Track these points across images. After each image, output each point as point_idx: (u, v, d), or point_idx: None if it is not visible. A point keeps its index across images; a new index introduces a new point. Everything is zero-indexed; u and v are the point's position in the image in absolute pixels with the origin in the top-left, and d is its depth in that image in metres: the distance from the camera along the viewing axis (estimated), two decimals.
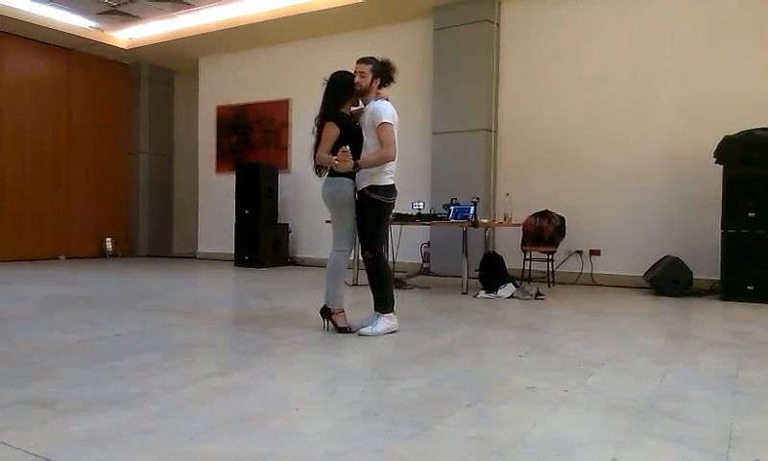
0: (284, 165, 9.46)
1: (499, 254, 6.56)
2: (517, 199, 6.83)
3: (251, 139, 10.10)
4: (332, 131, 3.78)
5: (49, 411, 2.27)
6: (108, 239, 10.75)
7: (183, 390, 2.60)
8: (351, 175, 3.81)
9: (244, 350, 3.47)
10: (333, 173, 3.83)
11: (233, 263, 9.16)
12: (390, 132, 3.73)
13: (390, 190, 3.85)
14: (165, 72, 11.38)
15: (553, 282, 6.87)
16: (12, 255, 9.34)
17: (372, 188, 3.77)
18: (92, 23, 9.60)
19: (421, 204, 6.49)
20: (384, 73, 3.87)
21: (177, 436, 2.02)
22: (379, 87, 3.88)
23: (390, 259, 6.98)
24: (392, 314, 3.87)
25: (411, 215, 6.41)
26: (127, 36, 10.16)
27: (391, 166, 3.83)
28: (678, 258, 6.15)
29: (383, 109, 3.72)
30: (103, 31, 9.91)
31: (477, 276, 6.28)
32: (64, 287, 6.37)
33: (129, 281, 7.14)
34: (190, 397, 2.50)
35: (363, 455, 1.87)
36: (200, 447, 1.93)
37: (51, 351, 3.29)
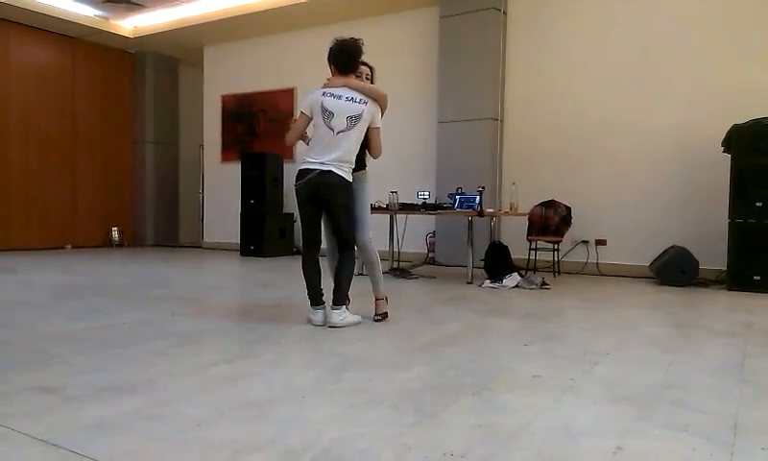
0: (289, 154, 9.44)
1: (505, 243, 6.55)
2: (523, 188, 6.81)
3: (256, 128, 10.10)
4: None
5: (57, 398, 2.28)
6: (114, 229, 10.80)
7: (190, 377, 2.61)
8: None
9: (250, 338, 3.48)
10: None
11: (239, 253, 9.19)
12: (296, 120, 3.87)
13: (297, 175, 3.82)
14: (170, 61, 11.37)
15: (558, 272, 6.86)
16: (18, 245, 9.40)
17: None
18: (97, 12, 9.60)
19: (427, 193, 6.48)
20: (329, 58, 3.83)
21: (184, 423, 2.04)
22: (341, 74, 3.80)
23: (395, 249, 7.02)
24: (311, 307, 3.81)
25: (416, 205, 6.40)
26: (132, 24, 10.16)
27: (308, 153, 3.79)
28: (684, 248, 6.13)
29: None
30: (108, 19, 9.91)
31: (482, 265, 6.27)
32: (71, 276, 6.41)
33: (135, 271, 7.18)
34: (197, 384, 2.52)
35: (368, 442, 1.88)
36: (206, 433, 1.94)
37: (58, 339, 3.32)
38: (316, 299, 3.82)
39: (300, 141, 4.03)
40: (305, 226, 3.87)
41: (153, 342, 3.27)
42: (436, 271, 7.16)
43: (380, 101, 3.80)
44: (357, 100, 3.72)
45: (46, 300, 4.79)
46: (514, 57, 7.68)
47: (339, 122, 3.69)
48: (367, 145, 3.86)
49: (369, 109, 3.73)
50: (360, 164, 3.91)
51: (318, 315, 3.79)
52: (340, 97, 3.73)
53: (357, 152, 3.78)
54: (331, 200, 3.73)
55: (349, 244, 3.84)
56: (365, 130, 3.76)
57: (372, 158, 4.02)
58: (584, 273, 7.08)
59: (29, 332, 3.52)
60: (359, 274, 6.45)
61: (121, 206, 11.05)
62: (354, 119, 3.69)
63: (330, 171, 3.68)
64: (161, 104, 11.27)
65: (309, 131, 3.88)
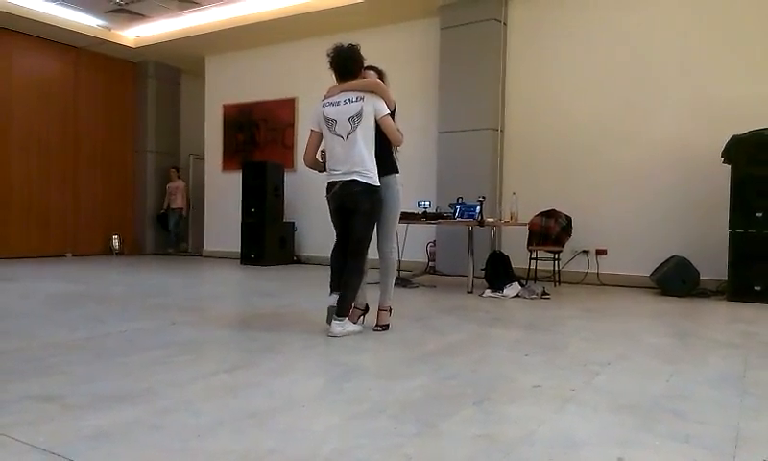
0: (290, 164, 9.47)
1: (505, 253, 6.55)
2: (524, 198, 6.82)
3: (257, 138, 10.13)
4: None
5: (57, 406, 2.28)
6: (115, 237, 10.81)
7: (190, 387, 2.61)
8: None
9: (250, 347, 3.47)
10: None
11: (239, 261, 9.19)
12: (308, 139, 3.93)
13: (326, 188, 3.85)
14: (172, 71, 11.43)
15: (559, 282, 6.85)
16: (19, 253, 9.40)
17: None
18: (100, 22, 9.65)
19: (427, 203, 6.49)
20: (330, 66, 3.85)
21: (183, 432, 2.03)
22: (341, 79, 3.82)
23: (395, 258, 7.00)
24: (330, 293, 3.90)
25: (417, 214, 6.41)
26: (134, 34, 10.21)
27: (329, 165, 3.83)
28: (685, 258, 6.13)
29: None
30: (110, 29, 9.96)
31: (483, 275, 6.27)
32: (71, 284, 6.41)
33: (135, 279, 7.17)
34: (197, 393, 2.51)
35: (369, 453, 1.87)
36: (206, 443, 1.94)
37: (58, 348, 3.31)
38: (333, 285, 3.86)
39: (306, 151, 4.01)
40: (337, 232, 3.93)
41: (153, 351, 3.26)
42: (436, 280, 7.16)
43: (377, 91, 3.76)
44: (353, 99, 3.72)
45: (45, 308, 4.79)
46: (514, 67, 7.71)
47: (343, 126, 3.71)
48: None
49: (367, 103, 3.70)
50: (387, 167, 3.86)
51: (331, 299, 3.82)
52: (338, 103, 3.75)
53: (373, 150, 3.73)
54: (356, 208, 3.73)
55: (360, 252, 3.79)
56: (372, 125, 3.72)
57: (399, 153, 4.01)
58: (584, 283, 7.07)
59: (28, 341, 3.51)
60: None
61: (121, 214, 11.06)
62: (356, 118, 3.69)
63: (353, 180, 3.68)
64: (163, 113, 11.31)
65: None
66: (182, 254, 11.08)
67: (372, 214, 3.77)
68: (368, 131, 3.71)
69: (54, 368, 2.87)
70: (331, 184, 3.79)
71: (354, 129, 3.69)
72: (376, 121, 3.74)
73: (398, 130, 3.84)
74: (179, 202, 11.15)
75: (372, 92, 3.75)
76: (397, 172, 3.96)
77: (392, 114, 3.82)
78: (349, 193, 3.70)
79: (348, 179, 3.69)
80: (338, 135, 3.72)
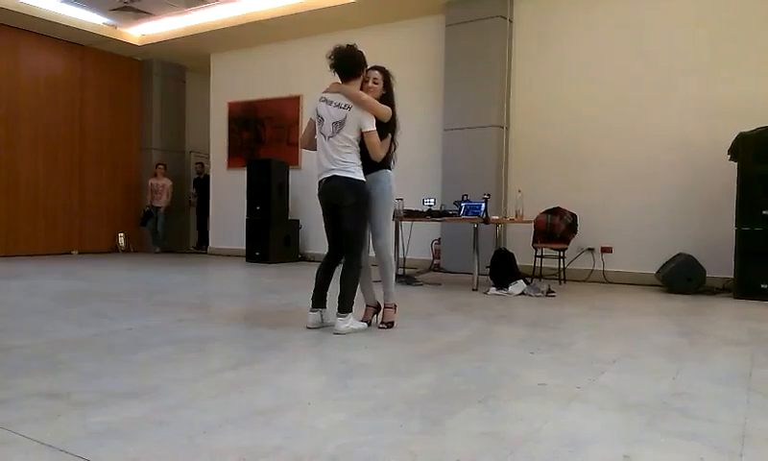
0: (295, 161, 9.48)
1: (510, 250, 6.54)
2: (529, 195, 6.81)
3: (262, 135, 10.14)
4: None
5: (64, 403, 2.29)
6: (121, 234, 10.84)
7: (196, 384, 2.62)
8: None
9: (256, 344, 3.48)
10: None
11: (244, 259, 9.21)
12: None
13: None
14: (177, 68, 11.46)
15: (564, 280, 6.84)
16: (25, 250, 9.46)
17: None
18: (106, 19, 9.68)
19: (432, 200, 6.49)
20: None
21: (190, 429, 2.04)
22: (343, 80, 3.80)
23: (400, 256, 7.02)
24: (309, 309, 3.91)
25: (422, 212, 6.41)
26: (139, 32, 10.24)
27: (316, 163, 3.82)
28: (691, 256, 6.11)
29: None
30: (116, 27, 9.99)
31: (488, 272, 6.26)
32: (78, 282, 6.43)
33: (141, 277, 7.20)
34: (203, 390, 2.52)
35: (374, 449, 1.87)
36: (213, 439, 1.95)
37: (65, 345, 3.33)
38: (314, 300, 3.88)
39: (306, 150, 4.03)
40: (329, 238, 3.94)
41: (159, 348, 3.28)
42: (441, 278, 7.16)
43: (364, 107, 3.71)
44: (343, 105, 3.72)
45: (52, 305, 4.81)
46: (519, 64, 7.69)
47: (327, 128, 3.74)
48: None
49: (353, 115, 3.69)
50: (375, 164, 3.81)
51: (310, 317, 3.85)
52: (331, 103, 3.76)
53: (353, 153, 3.71)
54: (340, 202, 3.74)
55: (354, 249, 3.80)
56: (352, 135, 3.70)
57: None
58: (590, 280, 7.06)
59: (35, 338, 3.53)
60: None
61: (127, 211, 11.10)
62: (338, 125, 3.70)
63: (334, 176, 3.71)
64: (168, 111, 11.34)
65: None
66: (168, 252, 10.93)
67: (358, 207, 3.75)
68: (346, 140, 3.70)
69: (61, 365, 2.89)
70: (319, 183, 3.83)
71: (335, 134, 3.71)
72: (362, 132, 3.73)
73: (392, 141, 3.84)
74: (163, 200, 10.85)
75: (360, 105, 3.72)
76: (388, 168, 3.89)
77: (389, 124, 3.80)
78: (332, 188, 3.73)
79: (330, 175, 3.72)
80: (322, 134, 3.76)
